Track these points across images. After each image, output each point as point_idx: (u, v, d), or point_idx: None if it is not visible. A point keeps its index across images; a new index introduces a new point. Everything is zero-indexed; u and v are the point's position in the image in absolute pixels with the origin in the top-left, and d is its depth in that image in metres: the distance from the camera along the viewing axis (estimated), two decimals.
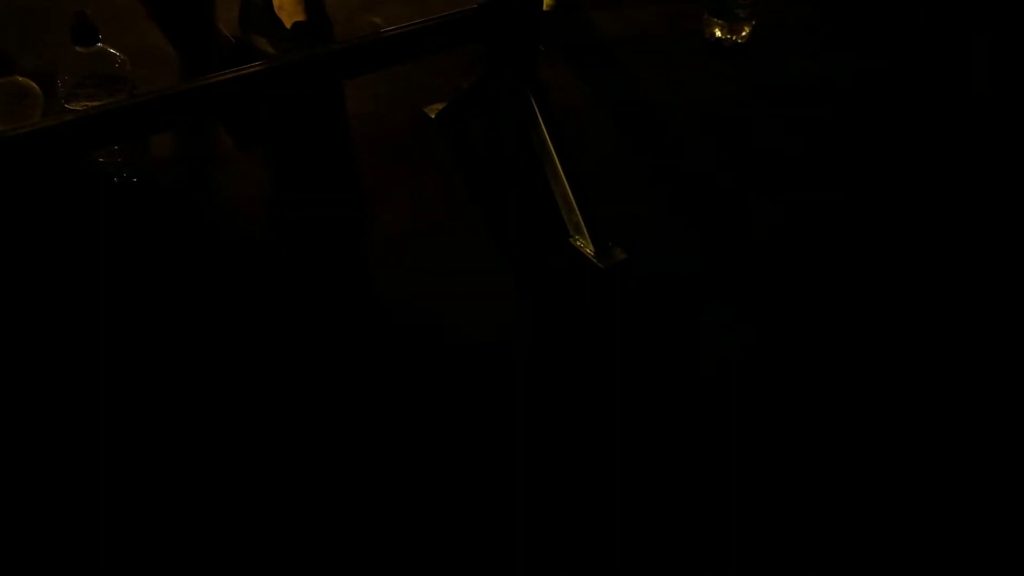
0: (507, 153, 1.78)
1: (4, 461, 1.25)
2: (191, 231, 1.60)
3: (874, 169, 1.81)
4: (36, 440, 1.27)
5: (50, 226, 1.56)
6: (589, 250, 1.58)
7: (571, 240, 1.60)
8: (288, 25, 1.78)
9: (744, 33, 2.11)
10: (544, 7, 1.91)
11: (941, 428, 1.34)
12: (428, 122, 1.85)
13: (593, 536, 1.20)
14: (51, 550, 1.15)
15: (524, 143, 1.67)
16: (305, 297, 1.49)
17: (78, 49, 1.55)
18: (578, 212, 1.60)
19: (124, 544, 1.16)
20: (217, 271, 1.52)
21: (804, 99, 2.00)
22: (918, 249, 1.63)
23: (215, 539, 1.18)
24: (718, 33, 2.11)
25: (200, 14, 1.69)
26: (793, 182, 1.77)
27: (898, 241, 1.64)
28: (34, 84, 1.62)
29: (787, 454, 1.30)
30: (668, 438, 1.32)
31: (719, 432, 1.32)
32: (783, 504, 1.24)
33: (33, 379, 1.34)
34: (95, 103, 1.54)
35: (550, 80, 1.71)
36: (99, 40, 1.56)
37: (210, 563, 1.16)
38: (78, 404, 1.32)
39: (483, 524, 1.20)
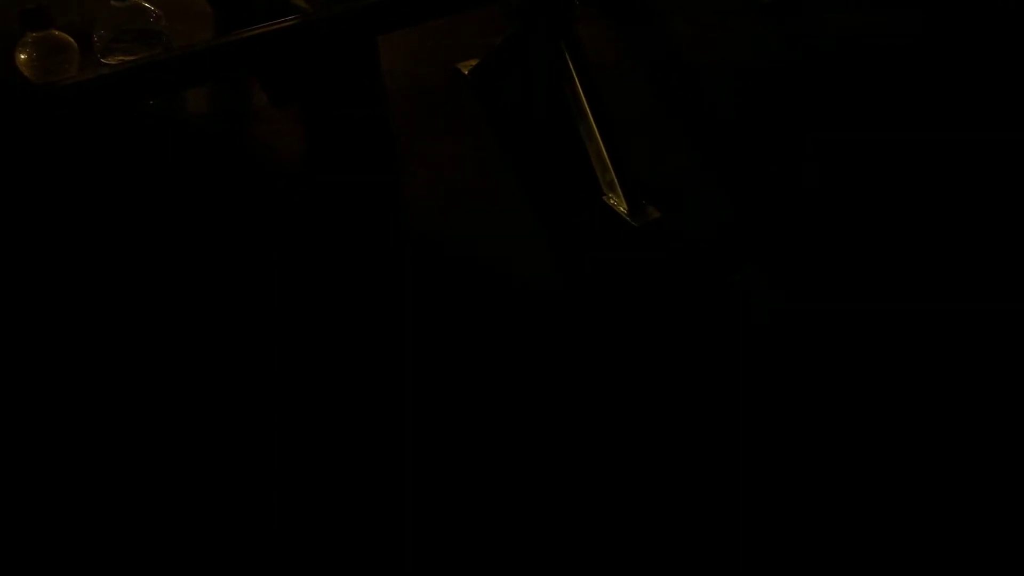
0: (541, 110, 1.77)
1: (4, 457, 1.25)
2: (223, 186, 1.60)
3: (916, 126, 1.77)
4: (37, 431, 1.27)
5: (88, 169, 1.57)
6: (622, 208, 1.57)
7: (604, 198, 1.59)
8: None
9: None
10: None
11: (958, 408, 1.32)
12: (462, 79, 1.84)
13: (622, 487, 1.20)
14: (51, 549, 1.15)
15: (558, 100, 1.66)
16: (340, 243, 1.49)
17: (114, 4, 1.56)
18: (612, 170, 1.58)
19: (124, 544, 1.16)
20: (247, 223, 1.53)
21: (844, 56, 1.96)
22: (959, 212, 1.60)
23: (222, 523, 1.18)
24: None
25: None
26: (832, 141, 1.74)
27: (939, 204, 1.61)
28: (71, 38, 1.62)
29: (813, 423, 1.29)
30: (695, 398, 1.31)
31: (746, 396, 1.31)
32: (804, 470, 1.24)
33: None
34: (131, 57, 1.55)
35: (585, 36, 1.69)
36: None
37: (210, 558, 1.15)
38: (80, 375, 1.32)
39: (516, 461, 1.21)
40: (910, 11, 2.06)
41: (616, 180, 1.58)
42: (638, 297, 1.45)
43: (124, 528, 1.17)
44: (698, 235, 1.55)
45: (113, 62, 1.57)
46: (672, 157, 1.70)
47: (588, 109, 1.61)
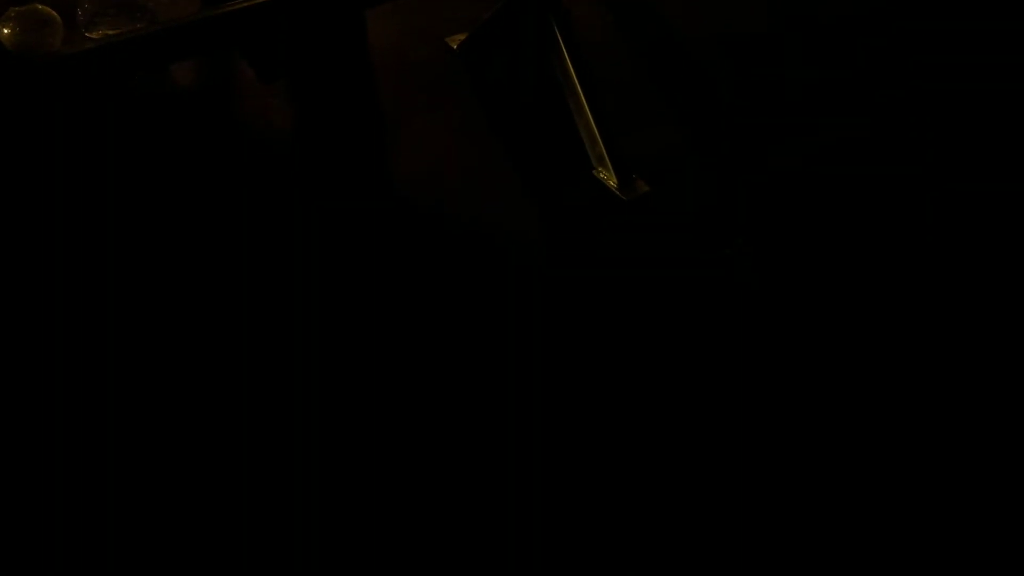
0: (530, 84, 1.76)
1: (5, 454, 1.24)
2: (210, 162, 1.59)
3: (903, 103, 1.77)
4: (38, 431, 1.26)
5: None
6: (612, 182, 1.57)
7: (594, 172, 1.59)
8: None
9: None
10: None
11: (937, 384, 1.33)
12: (451, 53, 1.83)
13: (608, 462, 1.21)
14: (52, 549, 1.15)
15: (547, 74, 1.65)
16: (329, 215, 1.48)
17: None
18: (601, 144, 1.58)
19: (125, 543, 1.16)
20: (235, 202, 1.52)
21: (833, 32, 1.95)
22: (944, 191, 1.60)
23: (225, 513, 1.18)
24: None
25: None
26: (819, 116, 1.74)
27: (924, 180, 1.62)
28: (54, 12, 1.60)
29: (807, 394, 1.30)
30: (684, 370, 1.32)
31: (736, 372, 1.32)
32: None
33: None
34: (115, 31, 1.53)
35: (574, 10, 1.68)
36: None
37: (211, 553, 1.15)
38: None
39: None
40: None
41: (605, 154, 1.57)
42: (629, 272, 1.45)
43: (125, 528, 1.17)
44: (688, 209, 1.55)
45: (97, 36, 1.55)
46: (662, 131, 1.70)
47: (577, 83, 1.61)
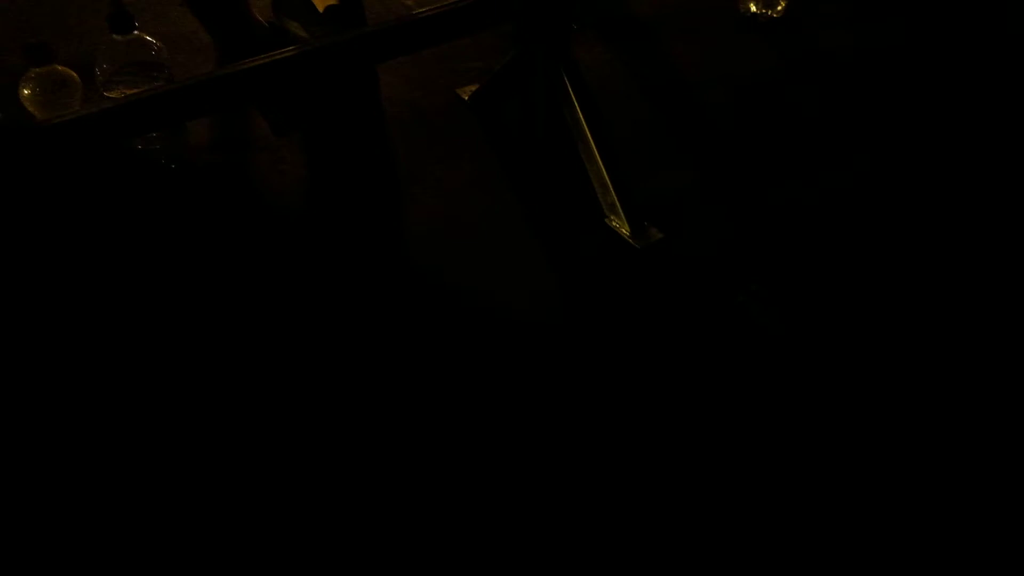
0: (541, 133, 1.78)
1: (5, 457, 1.26)
2: (225, 216, 1.61)
3: (910, 142, 1.78)
4: (38, 435, 1.29)
5: (90, 211, 1.58)
6: (625, 230, 1.57)
7: (606, 220, 1.60)
8: (321, 8, 1.79)
9: (780, 7, 2.08)
10: None
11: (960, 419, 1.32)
12: (462, 104, 1.85)
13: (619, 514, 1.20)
14: (52, 549, 1.16)
15: (558, 123, 1.66)
16: (341, 275, 1.50)
17: (115, 37, 1.57)
18: (613, 192, 1.59)
19: (125, 543, 1.17)
20: (251, 254, 1.54)
21: (840, 73, 1.97)
22: (953, 225, 1.61)
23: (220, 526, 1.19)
24: (753, 8, 2.08)
25: (234, 0, 1.70)
26: (829, 157, 1.75)
27: (935, 216, 1.62)
28: (73, 73, 1.64)
29: (815, 439, 1.29)
30: (701, 417, 1.31)
31: (751, 414, 1.31)
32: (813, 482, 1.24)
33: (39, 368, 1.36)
34: (133, 90, 1.56)
35: (583, 59, 1.70)
36: (136, 28, 1.58)
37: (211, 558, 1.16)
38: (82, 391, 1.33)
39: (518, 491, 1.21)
40: (910, 30, 2.08)
41: (617, 202, 1.58)
42: (642, 320, 1.45)
43: (126, 528, 1.19)
44: (701, 255, 1.56)
45: (116, 95, 1.58)
46: (673, 176, 1.71)
47: (588, 131, 1.62)
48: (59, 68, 1.62)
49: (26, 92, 1.60)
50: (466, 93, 1.86)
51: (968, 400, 1.33)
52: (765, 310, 1.46)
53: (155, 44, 1.60)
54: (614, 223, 1.59)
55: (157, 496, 1.22)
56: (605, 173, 1.60)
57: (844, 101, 1.89)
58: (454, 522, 1.19)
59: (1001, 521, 1.20)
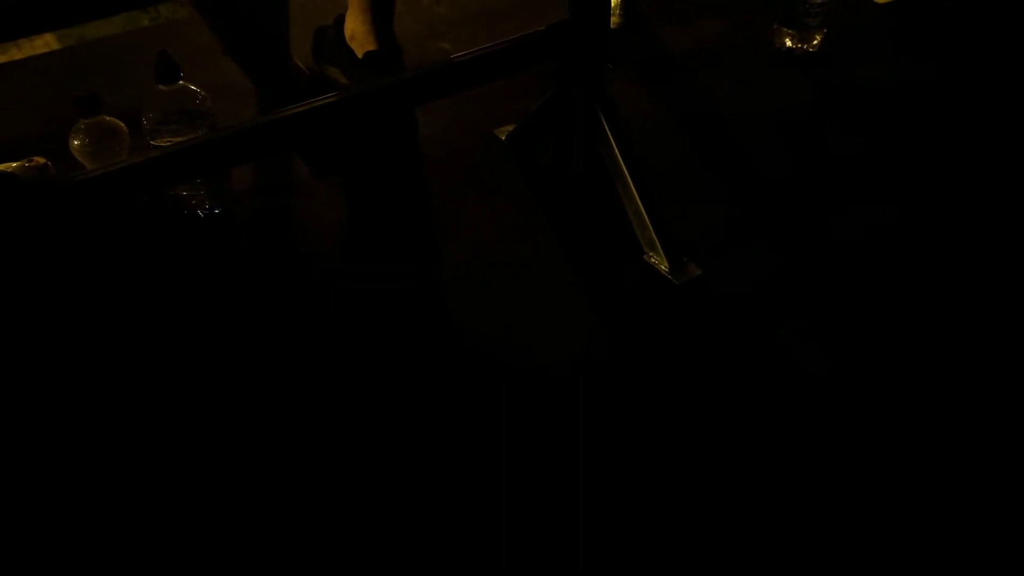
0: (578, 172, 1.79)
1: (6, 459, 1.29)
2: (267, 262, 1.64)
3: (949, 176, 1.77)
4: (38, 437, 1.32)
5: (137, 259, 1.62)
6: (664, 267, 1.58)
7: (645, 257, 1.60)
8: (360, 55, 1.83)
9: (815, 42, 2.08)
10: (611, 24, 1.91)
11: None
12: (499, 144, 1.87)
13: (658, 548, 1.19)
14: (53, 550, 1.18)
15: (595, 161, 1.67)
16: (378, 320, 1.51)
17: (161, 87, 1.61)
18: (651, 228, 1.59)
19: (125, 543, 1.19)
20: (291, 299, 1.56)
21: (877, 107, 1.96)
22: (996, 260, 1.59)
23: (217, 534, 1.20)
24: (789, 43, 2.09)
25: (275, 48, 1.74)
26: (868, 192, 1.74)
27: (975, 247, 1.60)
28: (121, 123, 1.68)
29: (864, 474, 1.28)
30: (743, 455, 1.30)
31: (793, 452, 1.30)
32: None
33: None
34: (179, 139, 1.59)
35: (620, 97, 1.71)
36: (181, 77, 1.62)
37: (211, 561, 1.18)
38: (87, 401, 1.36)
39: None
40: (946, 64, 2.07)
41: (656, 238, 1.59)
42: (683, 356, 1.45)
43: (127, 528, 1.20)
44: (740, 290, 1.55)
45: (162, 143, 1.62)
46: (711, 212, 1.71)
47: (625, 169, 1.63)
48: (107, 119, 1.66)
49: (76, 143, 1.65)
50: (503, 133, 1.88)
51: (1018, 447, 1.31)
52: (806, 345, 1.45)
53: (199, 93, 1.64)
54: (653, 260, 1.59)
55: (157, 496, 1.24)
56: (643, 210, 1.60)
57: (881, 135, 1.89)
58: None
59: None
